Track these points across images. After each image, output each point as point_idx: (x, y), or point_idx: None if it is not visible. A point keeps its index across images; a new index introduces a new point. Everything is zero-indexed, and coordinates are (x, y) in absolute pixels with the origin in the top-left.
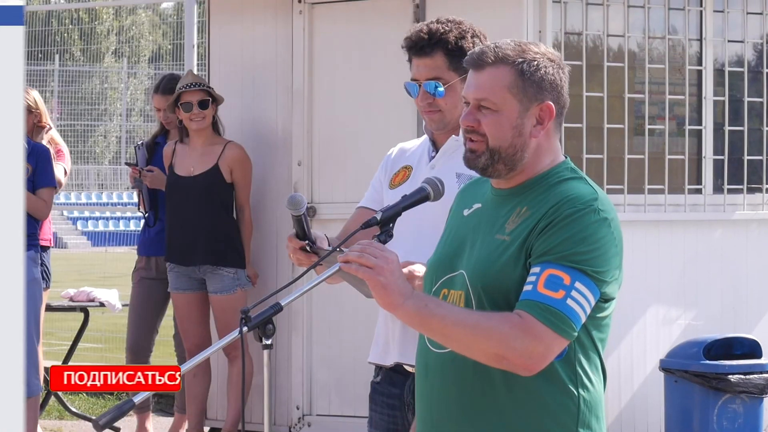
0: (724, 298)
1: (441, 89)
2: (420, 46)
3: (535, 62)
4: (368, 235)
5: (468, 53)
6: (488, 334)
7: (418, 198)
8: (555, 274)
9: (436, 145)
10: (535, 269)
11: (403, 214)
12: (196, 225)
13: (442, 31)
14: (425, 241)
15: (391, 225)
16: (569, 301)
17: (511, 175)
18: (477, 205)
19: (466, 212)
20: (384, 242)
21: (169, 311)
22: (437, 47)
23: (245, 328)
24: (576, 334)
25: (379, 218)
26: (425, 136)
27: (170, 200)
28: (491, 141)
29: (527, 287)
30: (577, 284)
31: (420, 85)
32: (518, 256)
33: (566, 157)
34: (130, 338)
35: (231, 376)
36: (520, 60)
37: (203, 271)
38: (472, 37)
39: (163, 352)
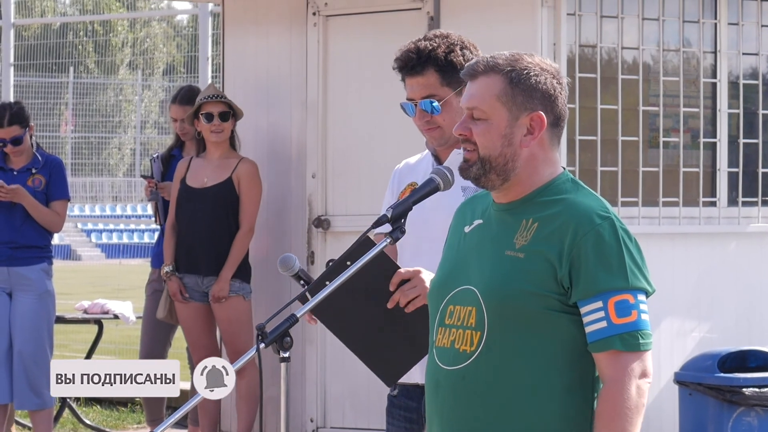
0: (738, 310)
1: (437, 105)
2: (410, 65)
3: (526, 71)
4: (378, 236)
5: (464, 65)
6: (628, 414)
7: (428, 190)
8: (620, 300)
9: (439, 160)
10: (596, 304)
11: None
12: (203, 235)
13: (430, 48)
14: (424, 257)
15: (402, 221)
16: (643, 316)
17: (506, 186)
18: (478, 221)
19: (467, 229)
20: (397, 239)
21: None
22: (427, 65)
23: (263, 345)
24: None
25: (389, 215)
26: (425, 152)
27: (180, 211)
28: (481, 150)
29: (599, 324)
30: (639, 297)
31: (416, 105)
32: (536, 276)
33: (564, 169)
34: (143, 350)
35: (240, 389)
36: (510, 68)
37: (207, 284)
38: (461, 49)
39: None
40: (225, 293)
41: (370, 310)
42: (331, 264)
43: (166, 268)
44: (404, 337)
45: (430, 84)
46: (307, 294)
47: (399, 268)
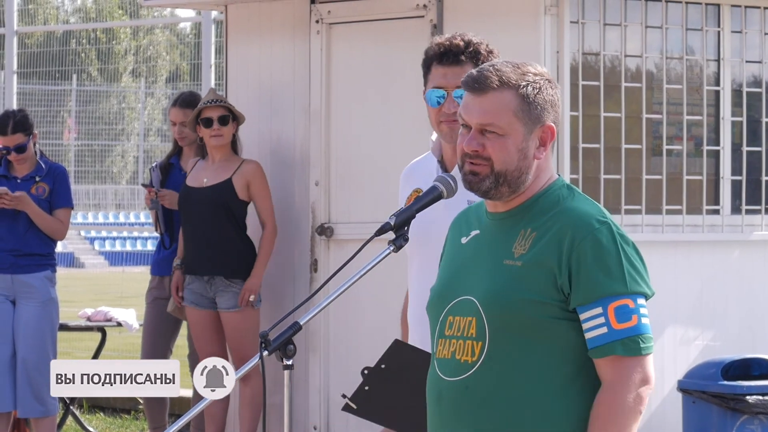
0: (741, 318)
1: None
2: (455, 53)
3: (537, 85)
4: (383, 242)
5: (466, 75)
6: (624, 420)
7: (431, 198)
8: (620, 305)
9: (444, 166)
10: (595, 309)
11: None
12: (204, 236)
13: (476, 42)
14: (432, 269)
15: (405, 229)
16: (643, 320)
17: (512, 197)
18: (475, 232)
19: (464, 240)
20: (400, 247)
21: (183, 331)
22: (471, 58)
23: (266, 352)
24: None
25: (393, 223)
26: (429, 152)
27: (182, 211)
28: (497, 165)
29: (600, 330)
30: (639, 301)
31: (449, 93)
32: (536, 284)
33: (559, 175)
34: (144, 358)
35: (243, 396)
36: (524, 84)
37: (214, 289)
38: (490, 53)
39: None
40: (255, 290)
41: (410, 394)
42: (366, 372)
43: (176, 261)
44: None
45: None
46: (349, 402)
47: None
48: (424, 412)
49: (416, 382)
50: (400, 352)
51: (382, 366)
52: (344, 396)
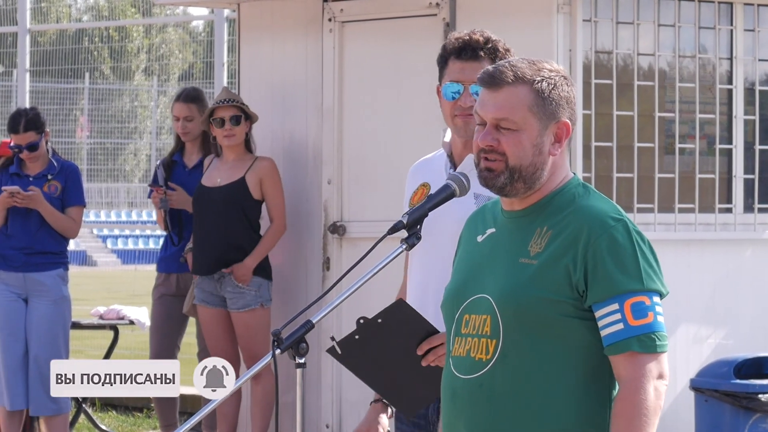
0: (754, 317)
1: None
2: (474, 48)
3: (553, 81)
4: (396, 240)
5: (482, 71)
6: (646, 414)
7: (444, 196)
8: (636, 302)
9: (454, 162)
10: (612, 306)
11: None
12: (216, 234)
13: (494, 39)
14: (431, 263)
15: (418, 227)
16: (659, 318)
17: (528, 194)
18: (491, 230)
19: (479, 238)
20: (413, 245)
21: (192, 329)
22: (489, 54)
23: (278, 351)
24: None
25: (405, 221)
26: (441, 150)
27: (195, 210)
28: (511, 160)
29: (616, 326)
30: (655, 298)
31: (465, 87)
32: (551, 282)
33: (574, 174)
34: (152, 354)
35: (255, 395)
36: (539, 79)
37: (224, 288)
38: (507, 51)
39: (188, 370)
40: (246, 280)
41: (397, 357)
42: (362, 322)
43: (188, 246)
44: (425, 379)
45: None
46: (336, 347)
47: (435, 330)
48: (400, 377)
49: (406, 345)
50: (400, 312)
51: (379, 320)
52: (332, 339)
